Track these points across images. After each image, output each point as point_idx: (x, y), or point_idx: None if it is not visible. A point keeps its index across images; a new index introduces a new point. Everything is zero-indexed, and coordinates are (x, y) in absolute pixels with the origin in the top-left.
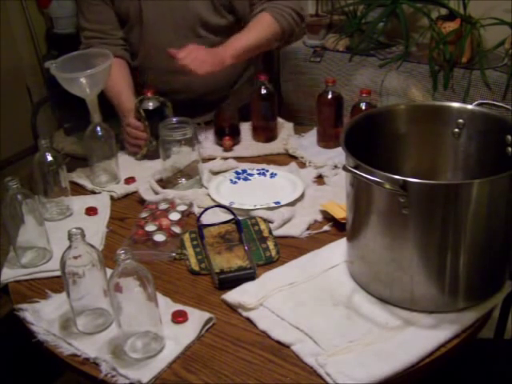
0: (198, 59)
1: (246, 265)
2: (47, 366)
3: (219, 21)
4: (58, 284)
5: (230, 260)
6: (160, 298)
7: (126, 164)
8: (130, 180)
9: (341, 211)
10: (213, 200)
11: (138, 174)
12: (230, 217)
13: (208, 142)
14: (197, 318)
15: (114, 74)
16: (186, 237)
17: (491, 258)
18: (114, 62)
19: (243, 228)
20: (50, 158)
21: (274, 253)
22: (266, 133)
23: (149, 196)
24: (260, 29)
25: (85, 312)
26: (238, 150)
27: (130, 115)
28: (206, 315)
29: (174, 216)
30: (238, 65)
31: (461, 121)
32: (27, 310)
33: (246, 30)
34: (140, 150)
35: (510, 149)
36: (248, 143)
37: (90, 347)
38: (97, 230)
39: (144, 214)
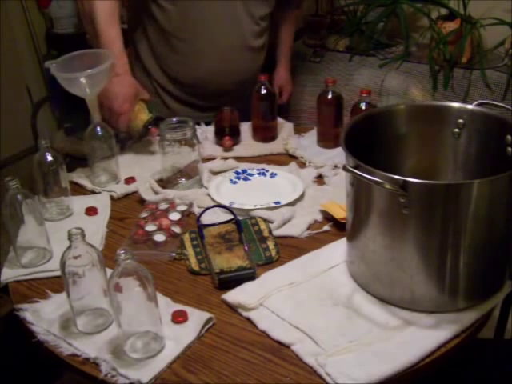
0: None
1: (245, 265)
2: (47, 366)
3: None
4: (58, 284)
5: (229, 260)
6: (160, 298)
7: (126, 164)
8: (130, 180)
9: (341, 211)
10: (213, 200)
11: (138, 174)
12: (230, 217)
13: (208, 142)
14: (197, 317)
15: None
16: (186, 237)
17: (491, 258)
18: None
19: (243, 228)
20: (50, 157)
21: (273, 253)
22: (265, 133)
23: (149, 196)
24: (291, 28)
25: (85, 312)
26: (238, 150)
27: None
28: (206, 315)
29: (174, 216)
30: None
31: (461, 121)
32: (27, 309)
33: (284, 36)
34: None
35: (509, 149)
36: (248, 143)
37: (90, 347)
38: (97, 229)
39: (144, 214)
